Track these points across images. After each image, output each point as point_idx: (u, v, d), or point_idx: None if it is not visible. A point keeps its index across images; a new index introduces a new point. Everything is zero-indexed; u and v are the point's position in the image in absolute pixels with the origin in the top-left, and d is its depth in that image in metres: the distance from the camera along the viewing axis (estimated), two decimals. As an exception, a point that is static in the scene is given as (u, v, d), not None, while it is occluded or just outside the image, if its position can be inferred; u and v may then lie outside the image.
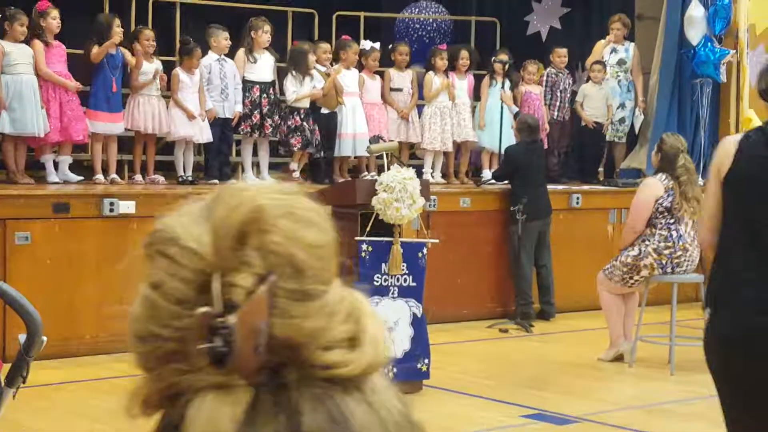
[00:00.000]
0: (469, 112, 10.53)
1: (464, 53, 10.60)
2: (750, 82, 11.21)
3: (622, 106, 11.15)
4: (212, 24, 9.51)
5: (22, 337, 3.00)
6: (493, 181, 10.10)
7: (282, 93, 9.56)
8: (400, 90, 10.24)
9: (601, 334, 7.90)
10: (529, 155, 9.28)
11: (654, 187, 7.23)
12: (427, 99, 10.32)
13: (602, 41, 11.37)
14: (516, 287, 9.18)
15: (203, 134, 9.09)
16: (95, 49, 8.52)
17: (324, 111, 9.68)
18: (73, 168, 8.65)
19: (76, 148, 8.92)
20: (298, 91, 9.44)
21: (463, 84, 10.54)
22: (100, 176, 8.71)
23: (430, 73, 10.34)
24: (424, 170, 10.26)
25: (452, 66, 10.47)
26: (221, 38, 9.25)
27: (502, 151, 10.32)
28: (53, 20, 8.41)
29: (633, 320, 7.51)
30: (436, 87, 10.28)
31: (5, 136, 8.22)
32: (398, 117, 10.17)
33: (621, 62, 11.21)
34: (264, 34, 9.41)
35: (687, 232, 7.20)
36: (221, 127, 9.24)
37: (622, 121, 11.17)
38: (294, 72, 9.46)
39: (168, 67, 9.25)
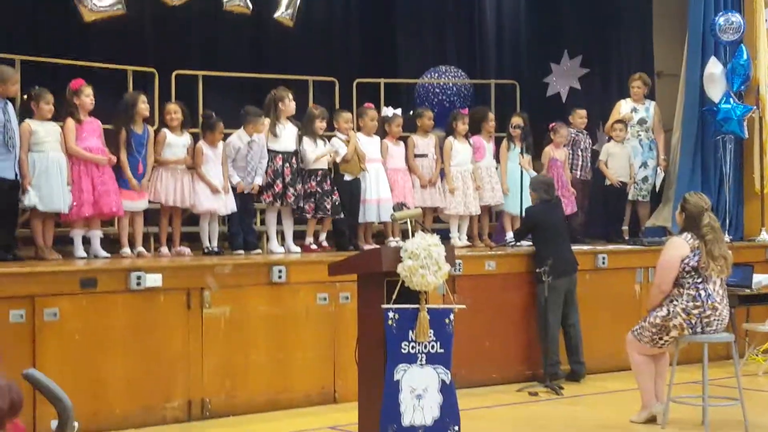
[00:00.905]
0: (495, 175, 10.56)
1: (491, 115, 10.68)
2: (773, 137, 11.24)
3: (644, 164, 11.17)
4: (250, 106, 9.45)
5: (54, 423, 3.00)
6: (513, 242, 10.11)
7: (302, 161, 9.60)
8: (425, 156, 10.28)
9: (632, 395, 7.82)
10: (547, 213, 9.33)
11: (679, 247, 7.19)
12: (446, 170, 10.32)
13: (622, 101, 11.42)
14: (543, 348, 9.12)
15: (227, 207, 9.15)
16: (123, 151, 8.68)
17: (347, 178, 9.74)
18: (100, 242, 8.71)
19: (104, 222, 8.99)
20: (314, 151, 9.51)
21: (489, 146, 10.59)
22: (126, 249, 8.77)
23: (450, 138, 10.39)
24: (451, 235, 10.28)
25: (478, 128, 10.52)
26: (259, 124, 9.26)
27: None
28: (86, 98, 8.52)
29: (664, 381, 7.43)
30: (460, 152, 10.32)
31: (33, 212, 8.30)
32: (421, 185, 10.19)
33: (642, 121, 11.25)
34: (290, 102, 9.49)
35: (715, 290, 7.13)
36: (242, 199, 9.28)
37: (645, 180, 11.19)
38: (307, 136, 9.55)
39: (192, 140, 9.34)
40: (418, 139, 10.33)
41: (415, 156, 10.25)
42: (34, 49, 10.10)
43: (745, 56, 11.04)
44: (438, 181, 10.31)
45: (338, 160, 9.70)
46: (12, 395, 1.98)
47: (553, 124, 11.02)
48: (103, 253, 8.55)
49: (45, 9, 10.97)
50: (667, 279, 7.18)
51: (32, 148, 8.22)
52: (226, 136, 9.33)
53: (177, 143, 9.02)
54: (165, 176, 8.97)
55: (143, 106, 8.82)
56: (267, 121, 9.41)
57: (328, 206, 9.56)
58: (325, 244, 9.74)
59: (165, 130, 9.03)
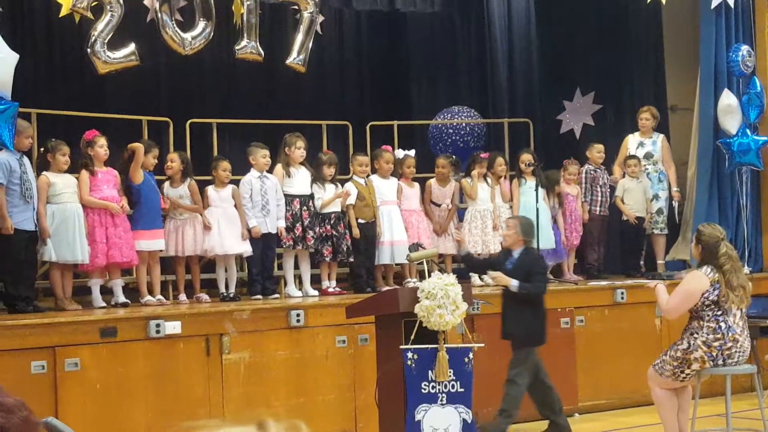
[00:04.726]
0: (507, 215, 10.56)
1: (500, 159, 10.73)
2: (790, 168, 11.25)
3: (655, 197, 11.15)
4: (253, 142, 9.62)
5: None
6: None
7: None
8: (438, 206, 10.33)
9: (655, 430, 7.77)
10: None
11: (700, 281, 7.13)
12: (468, 196, 10.37)
13: (630, 136, 11.44)
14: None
15: (234, 247, 9.13)
16: (133, 169, 8.70)
17: (361, 221, 9.76)
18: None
19: (123, 271, 9.02)
20: (322, 197, 9.56)
21: (497, 189, 10.60)
22: (149, 297, 8.79)
23: (467, 179, 10.43)
24: (470, 273, 10.27)
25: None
26: (259, 156, 9.36)
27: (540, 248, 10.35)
28: (100, 148, 8.60)
29: (687, 415, 7.37)
30: (479, 191, 10.36)
31: (52, 263, 8.35)
32: (434, 232, 10.22)
33: (648, 156, 11.23)
34: (297, 150, 9.55)
35: (736, 322, 7.09)
36: (263, 242, 9.31)
37: (659, 212, 11.16)
38: (316, 182, 9.60)
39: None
40: (435, 187, 10.37)
41: (431, 202, 10.31)
42: (50, 102, 10.21)
43: (759, 87, 11.06)
44: (450, 227, 10.33)
45: (351, 201, 9.71)
46: (25, 412, 2.01)
47: (566, 161, 11.07)
48: (124, 299, 8.57)
49: (60, 62, 11.10)
50: (683, 308, 7.16)
51: (50, 200, 8.30)
52: (237, 182, 9.38)
53: (173, 195, 9.07)
54: (174, 227, 9.01)
55: (153, 161, 8.93)
56: (278, 166, 9.50)
57: (345, 249, 9.61)
58: (337, 288, 9.73)
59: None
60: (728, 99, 11.05)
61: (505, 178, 10.77)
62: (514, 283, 7.99)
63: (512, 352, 8.15)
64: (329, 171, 9.71)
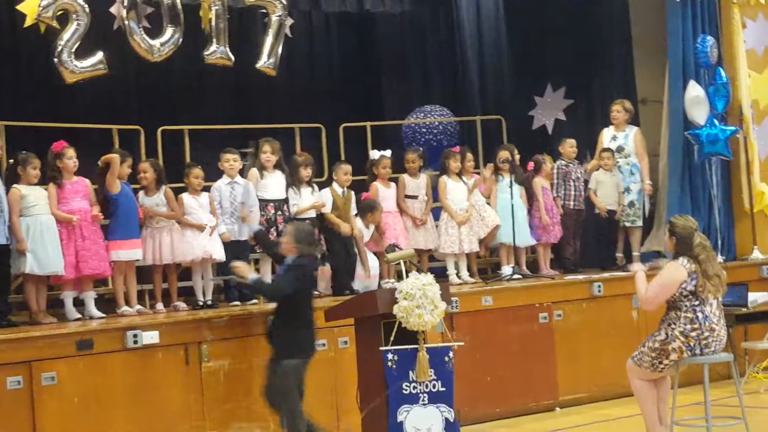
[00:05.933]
0: (484, 205, 10.55)
1: (469, 155, 10.72)
2: (759, 157, 11.31)
3: (627, 190, 11.19)
4: (226, 147, 9.56)
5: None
6: (516, 276, 10.12)
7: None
8: (415, 197, 10.29)
9: (635, 421, 7.81)
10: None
11: (678, 271, 7.16)
12: (445, 206, 10.33)
13: (605, 129, 11.48)
14: None
15: (216, 252, 9.07)
16: (109, 180, 8.63)
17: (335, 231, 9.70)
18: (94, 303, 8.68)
19: (97, 282, 8.95)
20: (298, 203, 9.52)
21: (471, 183, 10.61)
22: (126, 308, 8.72)
23: (444, 177, 10.41)
24: (447, 272, 10.25)
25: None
26: (223, 161, 9.33)
27: (516, 244, 10.35)
28: (69, 160, 8.51)
29: (667, 405, 7.41)
30: (454, 189, 10.32)
31: (26, 276, 8.28)
32: (413, 225, 10.17)
33: (619, 149, 11.28)
34: (263, 154, 9.50)
35: (712, 312, 7.13)
36: (234, 249, 9.24)
37: (631, 204, 11.20)
38: (293, 186, 9.56)
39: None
40: (409, 180, 10.34)
41: (406, 197, 10.27)
42: (18, 113, 10.13)
43: (724, 77, 11.13)
44: (429, 220, 10.31)
45: (326, 210, 9.65)
46: None
47: (536, 156, 11.10)
48: (98, 314, 8.51)
49: (27, 73, 11.04)
50: (662, 298, 7.19)
51: (24, 213, 8.22)
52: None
53: (149, 203, 9.00)
54: (150, 234, 8.95)
55: (127, 170, 8.86)
56: (252, 170, 9.47)
57: (319, 255, 9.56)
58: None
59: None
60: (695, 90, 11.12)
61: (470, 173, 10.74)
62: (251, 277, 7.49)
63: (274, 363, 7.44)
64: (306, 173, 9.68)
